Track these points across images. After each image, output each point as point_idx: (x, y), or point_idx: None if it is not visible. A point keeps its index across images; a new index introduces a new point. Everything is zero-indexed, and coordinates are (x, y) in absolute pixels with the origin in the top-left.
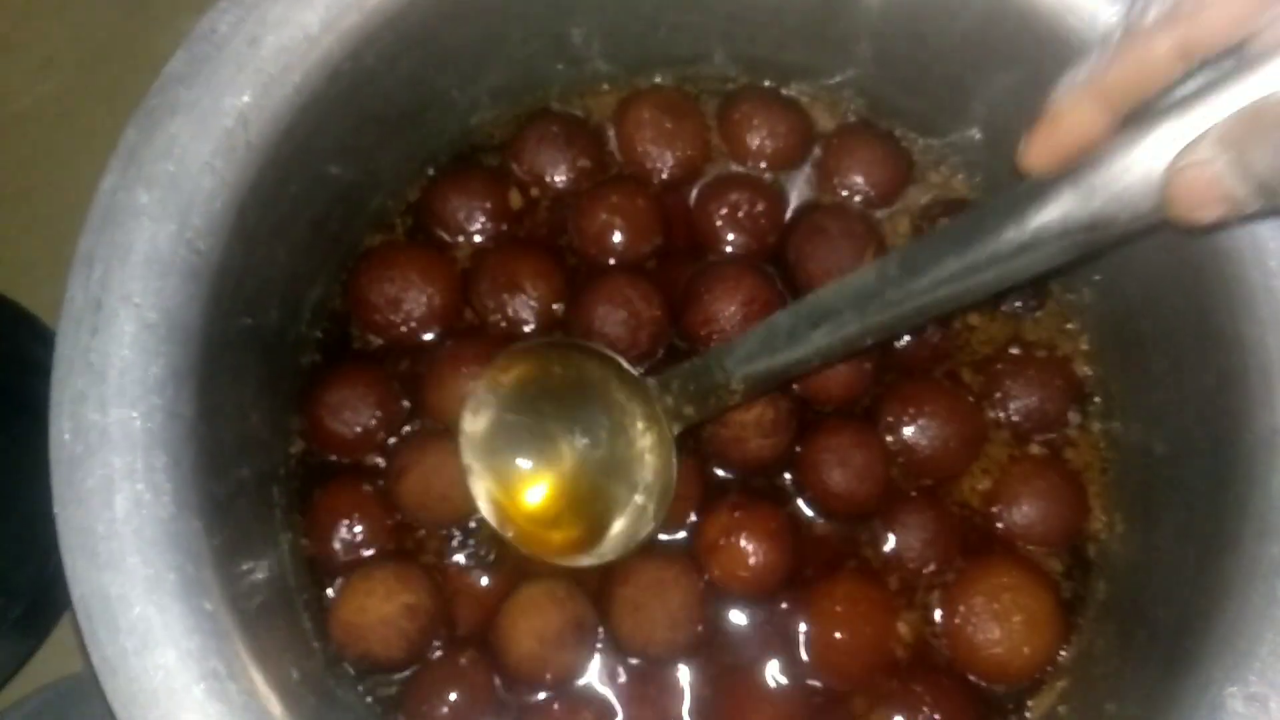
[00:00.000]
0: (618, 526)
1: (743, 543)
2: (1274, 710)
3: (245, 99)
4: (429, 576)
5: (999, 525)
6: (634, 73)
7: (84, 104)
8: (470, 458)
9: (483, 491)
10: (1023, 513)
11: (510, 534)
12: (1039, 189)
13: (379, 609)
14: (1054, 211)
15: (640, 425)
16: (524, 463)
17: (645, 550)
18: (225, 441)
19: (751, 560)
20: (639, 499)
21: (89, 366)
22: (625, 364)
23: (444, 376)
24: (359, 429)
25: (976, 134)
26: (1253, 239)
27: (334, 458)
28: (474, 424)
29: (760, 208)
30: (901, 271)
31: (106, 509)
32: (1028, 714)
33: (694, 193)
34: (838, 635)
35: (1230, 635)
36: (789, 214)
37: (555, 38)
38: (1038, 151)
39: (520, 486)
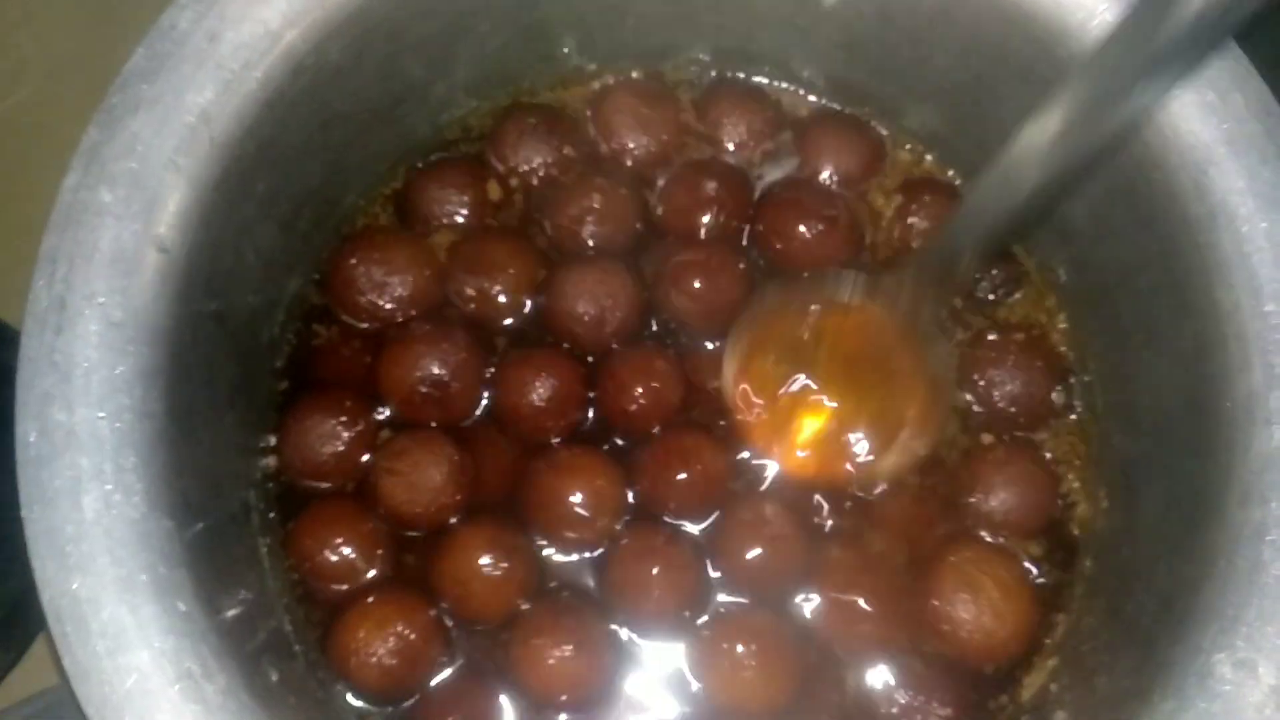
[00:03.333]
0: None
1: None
2: (1262, 675)
3: (207, 95)
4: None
5: (977, 513)
6: (605, 64)
7: (53, 113)
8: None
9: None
10: (999, 500)
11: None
12: None
13: (377, 645)
14: None
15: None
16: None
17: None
18: (198, 442)
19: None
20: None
21: (54, 367)
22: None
23: (398, 358)
24: (329, 458)
25: (944, 114)
26: (1224, 206)
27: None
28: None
29: (726, 191)
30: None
31: (75, 510)
32: (1023, 690)
33: (661, 179)
34: (843, 598)
35: (1216, 603)
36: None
37: (525, 28)
38: None
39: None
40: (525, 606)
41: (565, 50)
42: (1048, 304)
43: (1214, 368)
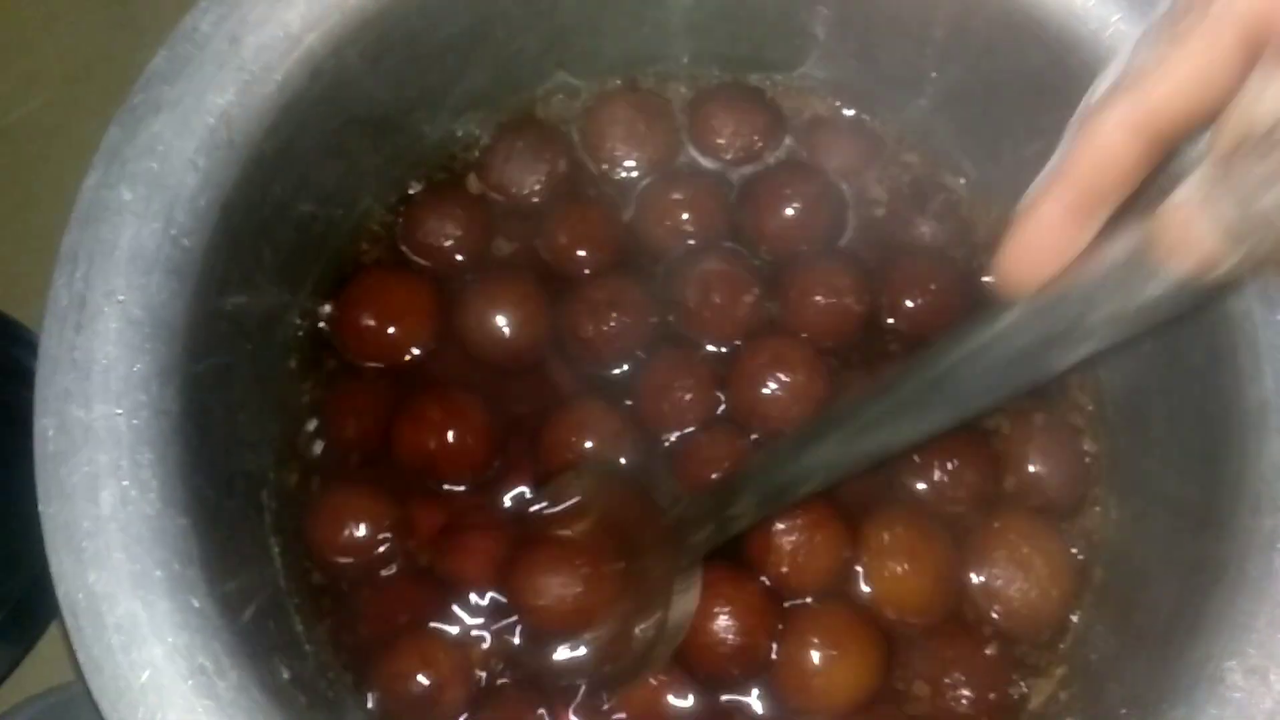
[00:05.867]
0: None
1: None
2: (1273, 682)
3: (228, 97)
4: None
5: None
6: (605, 71)
7: (71, 118)
8: None
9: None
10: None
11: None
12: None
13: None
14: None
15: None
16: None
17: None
18: (213, 440)
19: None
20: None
21: (73, 363)
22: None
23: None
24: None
25: (955, 120)
26: None
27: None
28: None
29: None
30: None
31: (91, 505)
32: (1032, 697)
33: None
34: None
35: (1227, 610)
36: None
37: (537, 37)
38: (1009, 267)
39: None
40: None
41: (574, 58)
42: None
43: (1225, 376)
